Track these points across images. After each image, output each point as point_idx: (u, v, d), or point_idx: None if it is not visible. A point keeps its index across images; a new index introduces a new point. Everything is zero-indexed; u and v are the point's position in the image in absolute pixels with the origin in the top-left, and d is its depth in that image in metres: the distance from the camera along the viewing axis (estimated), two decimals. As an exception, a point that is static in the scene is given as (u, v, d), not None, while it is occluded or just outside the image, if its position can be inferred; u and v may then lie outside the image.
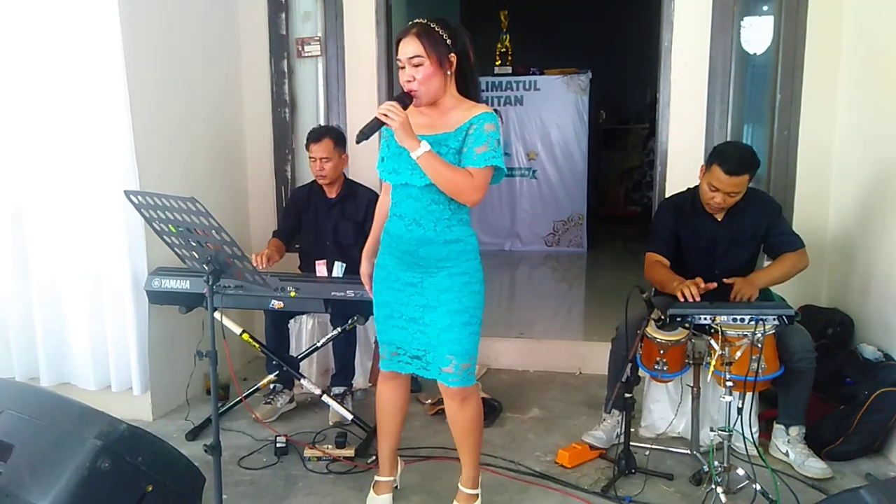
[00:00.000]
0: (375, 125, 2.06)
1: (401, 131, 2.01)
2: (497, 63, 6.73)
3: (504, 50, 6.84)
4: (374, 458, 2.64)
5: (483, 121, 2.08)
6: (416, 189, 2.12)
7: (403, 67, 2.09)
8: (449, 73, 2.10)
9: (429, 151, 2.01)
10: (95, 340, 3.10)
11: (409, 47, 2.06)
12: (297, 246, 3.44)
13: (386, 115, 2.00)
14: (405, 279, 2.21)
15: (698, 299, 2.57)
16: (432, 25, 2.08)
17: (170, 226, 2.07)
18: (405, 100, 2.09)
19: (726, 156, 2.66)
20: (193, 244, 2.09)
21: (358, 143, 2.08)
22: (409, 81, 2.07)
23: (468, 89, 2.17)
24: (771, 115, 3.52)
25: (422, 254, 2.17)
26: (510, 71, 6.57)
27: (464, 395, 2.21)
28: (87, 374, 3.14)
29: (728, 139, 3.51)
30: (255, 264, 2.87)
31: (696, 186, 2.85)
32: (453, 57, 2.10)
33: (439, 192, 2.08)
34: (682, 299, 2.58)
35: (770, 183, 3.52)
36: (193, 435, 3.00)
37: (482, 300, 2.23)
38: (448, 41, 2.08)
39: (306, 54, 3.97)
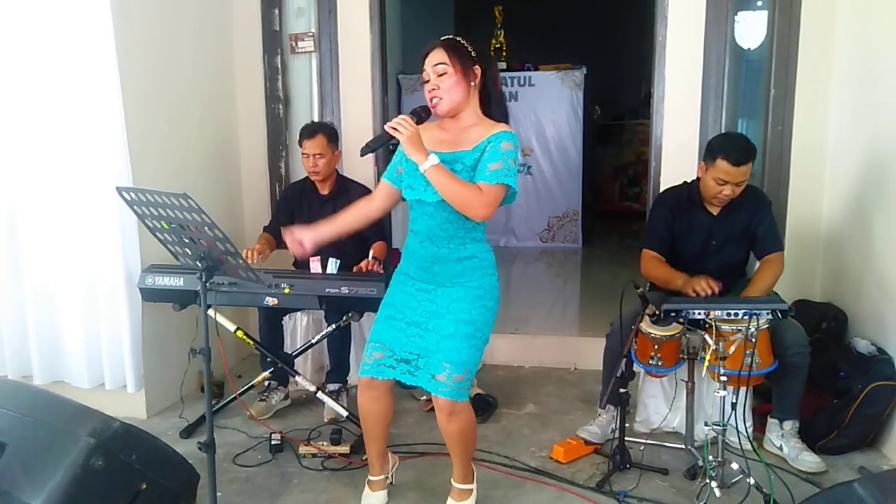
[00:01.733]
0: (383, 138, 2.08)
1: (408, 144, 2.01)
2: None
3: (498, 45, 6.82)
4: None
5: (501, 139, 2.09)
6: (430, 206, 2.14)
7: (428, 80, 2.11)
8: (473, 84, 2.13)
9: (437, 165, 2.02)
10: (89, 338, 3.09)
11: (435, 56, 2.10)
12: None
13: (395, 129, 2.01)
14: (420, 286, 2.23)
15: (716, 292, 2.60)
16: (458, 39, 2.13)
17: (162, 222, 2.05)
18: (421, 114, 2.11)
19: (729, 147, 2.67)
20: (186, 241, 2.08)
21: (362, 155, 2.12)
22: (433, 90, 2.10)
23: (492, 111, 2.19)
24: (765, 110, 3.52)
25: (436, 270, 2.19)
26: (505, 67, 6.52)
27: (452, 408, 2.15)
28: (81, 372, 3.13)
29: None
30: (245, 259, 2.86)
31: (694, 181, 2.85)
32: (478, 69, 2.13)
33: (453, 210, 2.09)
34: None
35: (764, 177, 3.52)
36: (188, 432, 2.99)
37: (493, 317, 2.23)
38: (473, 54, 2.12)
39: (300, 50, 3.95)
